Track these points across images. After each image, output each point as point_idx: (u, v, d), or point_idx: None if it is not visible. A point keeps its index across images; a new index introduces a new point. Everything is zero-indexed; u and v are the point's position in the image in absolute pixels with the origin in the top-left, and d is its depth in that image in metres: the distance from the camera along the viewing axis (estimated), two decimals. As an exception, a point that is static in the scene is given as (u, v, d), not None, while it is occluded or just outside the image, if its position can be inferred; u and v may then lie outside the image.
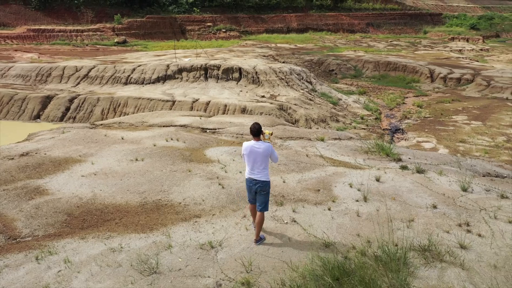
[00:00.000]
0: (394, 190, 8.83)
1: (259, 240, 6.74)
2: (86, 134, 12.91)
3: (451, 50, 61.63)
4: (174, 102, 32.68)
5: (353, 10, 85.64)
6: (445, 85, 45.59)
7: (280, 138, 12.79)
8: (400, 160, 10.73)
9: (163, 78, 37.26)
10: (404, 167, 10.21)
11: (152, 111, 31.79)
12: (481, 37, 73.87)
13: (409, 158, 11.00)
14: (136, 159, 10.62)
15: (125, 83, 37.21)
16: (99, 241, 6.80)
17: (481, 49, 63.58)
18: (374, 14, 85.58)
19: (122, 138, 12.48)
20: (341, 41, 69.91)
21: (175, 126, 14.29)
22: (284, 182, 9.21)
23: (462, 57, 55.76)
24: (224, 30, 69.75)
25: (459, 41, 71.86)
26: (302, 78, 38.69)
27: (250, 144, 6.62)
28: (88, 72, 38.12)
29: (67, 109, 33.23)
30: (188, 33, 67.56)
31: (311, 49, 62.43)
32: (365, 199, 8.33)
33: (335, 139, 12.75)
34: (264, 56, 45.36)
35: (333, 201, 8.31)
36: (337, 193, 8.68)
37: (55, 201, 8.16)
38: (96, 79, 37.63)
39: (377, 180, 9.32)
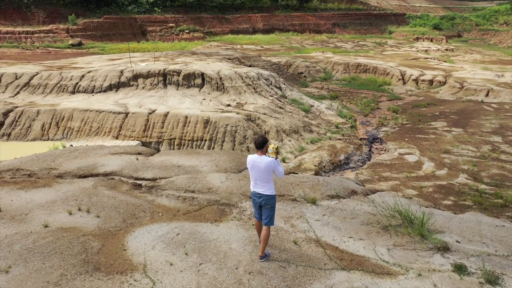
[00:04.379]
0: None
1: (264, 256, 6.29)
2: None
3: (417, 51, 58.65)
4: (127, 114, 27.30)
5: (318, 10, 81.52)
6: (418, 87, 42.19)
7: (250, 198, 8.11)
8: (446, 248, 6.28)
9: (116, 86, 31.68)
10: (461, 269, 5.74)
11: (102, 125, 26.41)
12: (444, 37, 71.50)
13: (458, 242, 6.56)
14: (-3, 268, 5.65)
15: (73, 92, 31.40)
16: None
17: (446, 49, 60.99)
18: (340, 14, 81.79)
19: (-2, 211, 7.41)
20: (308, 42, 65.74)
21: (97, 175, 9.36)
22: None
23: (430, 58, 52.77)
24: (187, 31, 64.01)
25: (423, 41, 69.15)
26: (271, 84, 34.06)
27: (253, 157, 6.33)
28: (30, 80, 32.02)
29: (1, 124, 27.24)
30: (149, 34, 61.43)
31: (278, 50, 57.94)
32: None
33: (332, 197, 8.17)
34: (229, 59, 40.42)
35: None
36: None
37: None
38: (39, 88, 31.61)
39: (430, 312, 4.83)
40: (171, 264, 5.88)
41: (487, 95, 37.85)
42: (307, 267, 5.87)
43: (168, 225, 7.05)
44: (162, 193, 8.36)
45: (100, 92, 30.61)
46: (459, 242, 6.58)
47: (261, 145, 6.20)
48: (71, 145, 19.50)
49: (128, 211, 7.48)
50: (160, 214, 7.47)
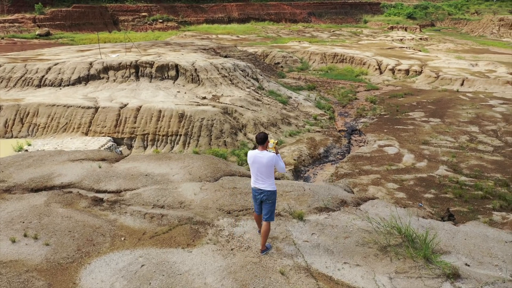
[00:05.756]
0: None
1: (265, 250, 6.27)
2: None
3: (393, 40, 58.37)
4: (97, 108, 25.67)
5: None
6: (394, 77, 41.71)
7: (228, 213, 6.97)
8: (456, 275, 5.37)
9: (86, 79, 29.82)
10: (476, 302, 4.83)
11: (70, 120, 24.65)
12: (418, 26, 71.50)
13: (467, 265, 5.67)
14: None
15: (38, 86, 29.41)
16: None
17: (421, 38, 60.96)
18: (316, 3, 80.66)
19: None
20: (284, 31, 64.51)
21: (52, 188, 8.06)
22: None
23: (405, 47, 52.50)
24: (161, 21, 61.67)
25: (398, 30, 68.98)
26: (248, 75, 32.80)
27: (254, 153, 6.31)
28: (-8, 73, 29.81)
29: (-41, 121, 25.26)
30: (121, 24, 58.85)
31: (254, 40, 56.57)
32: None
33: (321, 210, 7.14)
34: (205, 49, 38.85)
35: None
36: None
37: None
38: (1, 82, 29.54)
39: None
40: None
41: (462, 84, 37.69)
42: (298, 307, 4.83)
43: (131, 253, 5.89)
44: (126, 210, 7.15)
45: (68, 85, 28.69)
46: (468, 266, 5.68)
47: (263, 140, 6.24)
48: (26, 150, 17.86)
49: (85, 236, 6.27)
50: (122, 239, 6.29)
